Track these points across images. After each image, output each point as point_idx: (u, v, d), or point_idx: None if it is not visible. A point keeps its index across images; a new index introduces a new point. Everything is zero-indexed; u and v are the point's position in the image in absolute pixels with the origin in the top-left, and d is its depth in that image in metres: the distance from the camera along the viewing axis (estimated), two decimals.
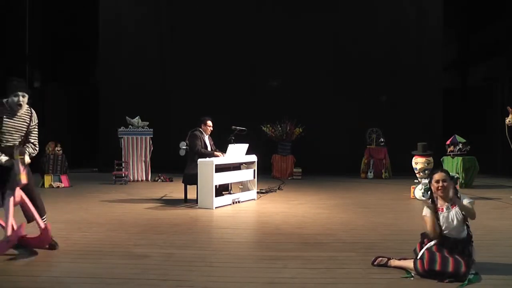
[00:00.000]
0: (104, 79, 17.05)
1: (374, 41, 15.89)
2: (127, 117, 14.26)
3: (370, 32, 15.91)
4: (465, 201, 5.08)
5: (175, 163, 12.35)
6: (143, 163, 14.17)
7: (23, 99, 5.87)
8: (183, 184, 10.22)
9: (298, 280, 4.98)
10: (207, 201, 9.35)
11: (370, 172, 14.69)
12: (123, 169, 13.80)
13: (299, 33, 15.91)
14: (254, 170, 10.55)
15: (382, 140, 14.91)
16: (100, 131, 16.58)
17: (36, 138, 6.13)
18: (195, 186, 9.63)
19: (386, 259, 5.37)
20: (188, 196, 10.12)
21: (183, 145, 10.68)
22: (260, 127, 14.72)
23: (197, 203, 9.57)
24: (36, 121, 6.06)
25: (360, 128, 15.13)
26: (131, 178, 14.00)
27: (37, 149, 6.15)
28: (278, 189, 12.07)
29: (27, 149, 5.98)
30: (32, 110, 6.08)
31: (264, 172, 13.12)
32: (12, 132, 5.95)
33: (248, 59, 15.96)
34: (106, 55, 16.90)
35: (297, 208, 9.50)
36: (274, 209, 9.41)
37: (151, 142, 14.24)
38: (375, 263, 5.39)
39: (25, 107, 5.97)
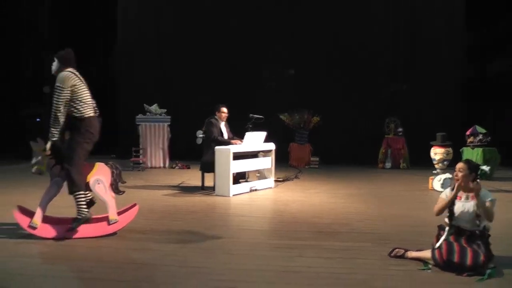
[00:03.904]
0: (122, 67, 17.14)
1: (393, 30, 15.75)
2: (145, 105, 14.33)
3: (389, 21, 15.79)
4: (487, 200, 5.00)
5: (192, 150, 12.38)
6: (160, 150, 14.25)
7: (52, 65, 6.20)
8: (200, 172, 10.26)
9: (313, 269, 4.98)
10: (224, 188, 9.38)
11: (388, 162, 14.63)
12: (140, 156, 13.88)
13: (319, 20, 15.81)
14: (272, 158, 10.55)
15: (400, 130, 14.81)
16: (118, 118, 16.67)
17: (53, 99, 5.92)
18: (213, 173, 9.66)
19: (403, 250, 5.33)
20: (205, 184, 10.17)
21: (199, 134, 10.70)
22: (277, 115, 14.69)
23: (214, 190, 9.61)
24: (57, 83, 5.94)
25: (378, 117, 15.04)
26: (149, 164, 14.09)
27: (51, 111, 5.90)
28: (295, 177, 12.06)
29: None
30: (59, 75, 6.04)
31: (282, 160, 13.10)
32: None
33: (266, 46, 15.91)
34: (124, 42, 16.97)
35: (314, 197, 9.49)
36: (290, 197, 9.42)
37: (168, 129, 14.31)
38: (392, 254, 5.35)
39: (54, 72, 6.16)
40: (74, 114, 5.97)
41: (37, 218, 5.98)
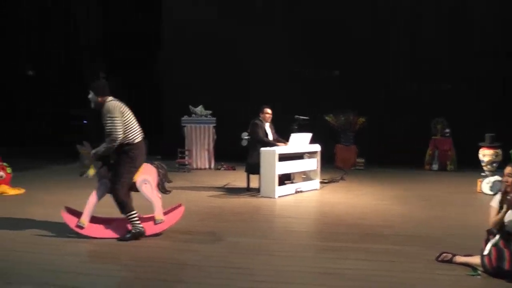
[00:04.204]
0: (168, 68, 17.30)
1: (437, 27, 15.41)
2: (190, 106, 14.44)
3: (432, 18, 15.45)
4: None
5: (238, 151, 12.42)
6: (206, 151, 14.33)
7: (88, 96, 6.28)
8: (245, 173, 10.29)
9: (359, 272, 4.94)
10: (269, 190, 9.38)
11: (435, 164, 14.35)
12: (186, 157, 13.99)
13: (362, 21, 15.65)
14: (317, 160, 10.51)
15: (447, 130, 14.51)
16: (164, 120, 16.85)
17: (107, 130, 6.08)
18: (258, 175, 9.68)
19: (451, 255, 5.22)
20: (251, 185, 10.18)
21: (245, 135, 10.74)
22: (323, 116, 14.61)
23: (259, 192, 9.62)
24: (108, 114, 6.09)
25: (425, 118, 14.79)
26: (194, 166, 14.18)
27: (107, 140, 6.09)
28: (341, 179, 11.96)
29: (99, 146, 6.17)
30: (105, 105, 6.18)
31: (327, 162, 13.01)
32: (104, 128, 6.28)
33: (311, 48, 15.84)
34: (170, 44, 17.15)
35: (359, 199, 9.41)
36: (336, 199, 9.36)
37: (214, 130, 14.38)
38: (439, 258, 5.25)
39: (96, 103, 6.25)
40: (124, 140, 6.17)
41: (85, 218, 6.12)
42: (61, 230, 6.46)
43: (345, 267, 5.09)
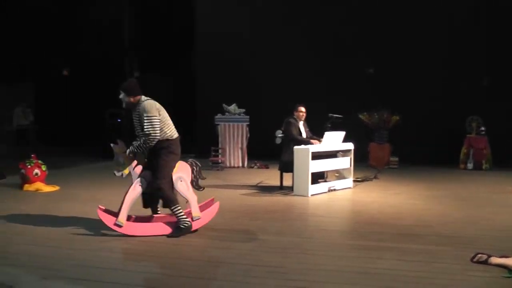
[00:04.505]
0: (201, 67, 17.43)
1: (474, 23, 15.16)
2: (223, 105, 14.52)
3: (470, 14, 15.23)
4: None
5: (271, 150, 12.45)
6: (239, 150, 14.40)
7: (120, 96, 6.34)
8: (279, 171, 10.31)
9: (393, 272, 4.92)
10: (302, 188, 9.40)
11: (470, 163, 14.15)
12: (219, 155, 14.07)
13: (396, 17, 15.52)
14: (351, 158, 10.48)
15: (482, 128, 14.30)
16: (197, 118, 16.97)
17: (147, 130, 6.16)
18: (291, 173, 9.69)
19: (487, 256, 5.15)
20: (284, 183, 10.21)
21: (279, 133, 10.75)
22: (357, 114, 14.54)
23: (292, 190, 9.64)
24: (145, 114, 6.15)
25: (460, 116, 14.61)
26: (228, 164, 14.27)
27: (146, 140, 6.17)
28: (374, 178, 11.91)
29: (133, 145, 6.25)
30: (142, 105, 6.24)
31: (360, 160, 12.95)
32: (136, 129, 6.41)
33: (344, 45, 15.77)
34: (202, 43, 17.26)
35: (393, 198, 9.35)
36: (369, 198, 9.32)
37: (247, 129, 14.43)
38: (474, 259, 5.19)
39: (130, 103, 6.33)
40: (163, 136, 6.28)
41: (122, 217, 6.17)
42: (95, 226, 6.59)
43: (379, 266, 5.08)
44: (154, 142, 6.19)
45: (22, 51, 20.26)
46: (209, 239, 6.18)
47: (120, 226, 6.16)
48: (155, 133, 6.15)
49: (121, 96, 6.33)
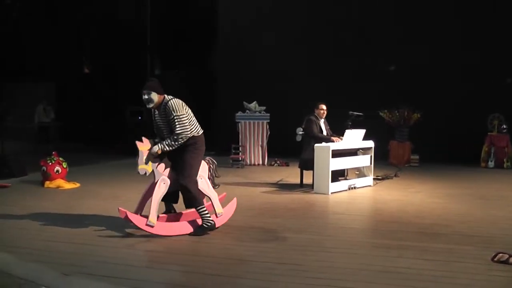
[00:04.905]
0: (221, 65, 17.50)
1: (496, 20, 15.00)
2: (244, 102, 14.55)
3: (492, 11, 15.08)
4: None
5: (291, 147, 12.46)
6: (259, 147, 14.43)
7: (147, 96, 6.24)
8: (299, 169, 10.33)
9: (413, 270, 4.92)
10: (323, 186, 9.41)
11: (491, 161, 14.05)
12: (240, 153, 14.12)
13: (419, 15, 15.44)
14: (371, 156, 10.47)
15: (504, 126, 14.18)
16: (218, 116, 17.03)
17: (178, 129, 6.18)
18: (311, 171, 9.71)
19: (508, 255, 5.13)
20: (304, 181, 10.23)
21: (299, 131, 10.77)
22: (377, 112, 14.49)
23: (312, 188, 9.66)
24: (174, 113, 6.18)
25: (481, 114, 14.49)
26: (248, 162, 14.31)
27: (177, 138, 6.19)
28: (395, 176, 11.89)
29: (162, 143, 6.22)
30: (168, 104, 6.24)
31: (381, 158, 12.93)
32: (157, 128, 6.44)
33: (365, 43, 15.73)
34: (223, 41, 17.34)
35: (414, 196, 9.33)
36: (390, 196, 9.31)
37: (267, 126, 14.46)
38: (495, 259, 5.17)
39: (157, 102, 6.29)
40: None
41: (153, 217, 6.14)
42: (116, 223, 6.67)
43: (399, 265, 5.08)
44: (185, 140, 6.22)
45: (44, 49, 20.50)
46: (230, 237, 6.22)
47: (152, 227, 6.14)
48: (186, 131, 6.18)
49: (150, 95, 6.24)
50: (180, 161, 6.30)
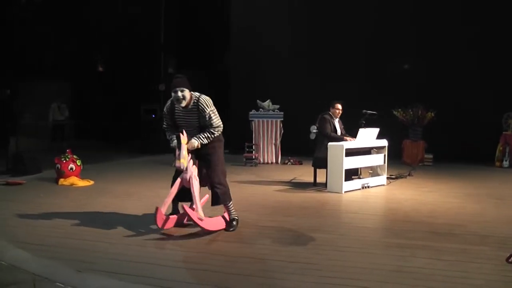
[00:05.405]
0: (235, 64, 17.50)
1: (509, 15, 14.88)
2: (258, 101, 14.56)
3: (506, 10, 14.95)
4: None
5: (305, 146, 12.45)
6: (273, 146, 14.44)
7: (181, 93, 6.16)
8: (312, 168, 10.32)
9: (426, 270, 4.90)
10: (336, 185, 9.40)
11: (506, 161, 13.94)
12: (253, 151, 14.12)
13: (434, 13, 15.35)
14: (385, 155, 10.43)
15: None
16: (231, 114, 17.04)
17: (215, 122, 6.26)
18: (325, 169, 9.69)
19: None
20: (318, 180, 10.23)
21: (313, 129, 10.75)
22: (391, 111, 14.43)
23: (326, 186, 9.65)
24: (209, 108, 6.22)
25: (496, 112, 14.38)
26: (261, 160, 14.32)
27: (213, 132, 6.26)
28: (408, 175, 11.83)
29: (199, 137, 6.22)
30: (201, 100, 6.26)
31: (394, 157, 12.88)
32: (184, 125, 6.35)
33: (379, 42, 15.66)
34: (237, 40, 17.33)
35: (427, 196, 9.28)
36: (403, 195, 9.27)
37: (281, 125, 14.46)
38: (510, 260, 5.12)
39: (188, 99, 6.25)
40: None
41: (200, 211, 6.14)
42: (129, 221, 6.73)
43: (412, 265, 5.06)
44: (220, 133, 6.38)
45: (59, 48, 20.63)
46: (243, 235, 6.23)
47: (202, 220, 6.14)
48: (221, 124, 6.34)
49: (184, 93, 6.18)
50: (212, 158, 6.32)
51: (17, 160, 11.32)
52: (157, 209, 6.10)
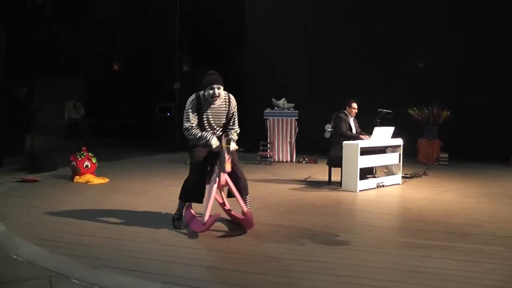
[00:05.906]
0: (250, 62, 17.51)
1: None
2: (273, 99, 14.56)
3: None
4: None
5: (320, 145, 12.43)
6: (288, 144, 14.44)
7: (219, 91, 6.11)
8: (327, 166, 10.31)
9: (442, 271, 4.87)
10: (351, 184, 9.38)
11: None
12: (268, 149, 14.13)
13: (450, 12, 15.26)
14: (400, 154, 10.39)
15: None
16: (246, 113, 17.05)
17: (237, 121, 6.39)
18: (340, 168, 9.67)
19: None
20: (332, 179, 10.22)
21: (328, 128, 10.74)
22: (406, 110, 14.36)
23: (341, 185, 9.64)
24: (236, 107, 6.28)
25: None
26: (276, 158, 14.33)
27: (238, 131, 6.40)
28: (424, 174, 11.77)
29: (233, 137, 6.27)
30: (230, 97, 6.29)
31: (410, 156, 12.82)
32: (211, 123, 6.29)
33: (394, 41, 15.61)
34: (252, 38, 17.37)
35: (443, 195, 9.22)
36: (418, 195, 9.22)
37: (296, 123, 14.45)
38: None
39: (223, 97, 6.24)
40: None
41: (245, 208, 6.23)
42: (144, 218, 6.78)
43: (427, 265, 5.03)
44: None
45: (74, 46, 20.77)
46: (257, 233, 6.22)
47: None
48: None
49: (220, 90, 6.13)
50: (233, 154, 6.28)
51: (33, 157, 11.43)
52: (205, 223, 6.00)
